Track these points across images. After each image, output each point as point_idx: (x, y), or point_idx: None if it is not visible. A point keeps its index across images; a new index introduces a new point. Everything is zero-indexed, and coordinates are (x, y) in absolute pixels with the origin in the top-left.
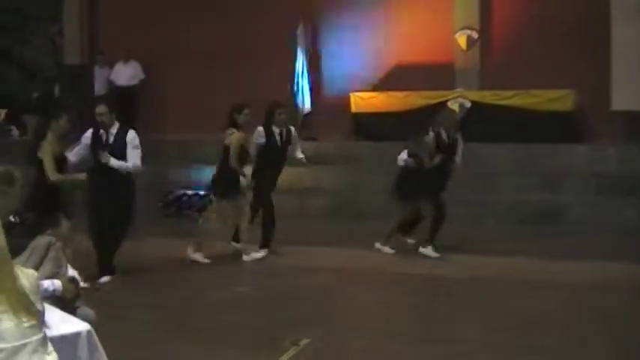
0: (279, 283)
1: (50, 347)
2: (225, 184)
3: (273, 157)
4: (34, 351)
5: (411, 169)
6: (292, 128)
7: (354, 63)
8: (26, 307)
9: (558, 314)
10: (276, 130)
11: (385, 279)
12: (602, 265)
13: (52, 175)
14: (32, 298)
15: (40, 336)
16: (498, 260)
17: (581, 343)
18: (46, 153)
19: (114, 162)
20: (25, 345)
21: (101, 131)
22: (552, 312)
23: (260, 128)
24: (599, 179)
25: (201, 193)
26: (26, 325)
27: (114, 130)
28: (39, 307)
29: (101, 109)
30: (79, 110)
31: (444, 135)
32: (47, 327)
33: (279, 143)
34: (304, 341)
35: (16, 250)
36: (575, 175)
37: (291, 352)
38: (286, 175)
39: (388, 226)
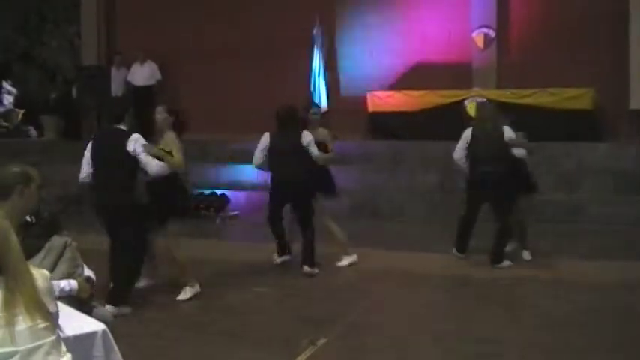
0: (297, 282)
1: (64, 348)
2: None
3: None
4: (48, 353)
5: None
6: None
7: (371, 62)
8: (41, 308)
9: (586, 314)
10: None
11: (406, 279)
12: (627, 264)
13: None
14: (45, 299)
15: (53, 337)
16: (519, 259)
17: (610, 343)
18: None
19: None
20: (39, 347)
21: None
22: (580, 312)
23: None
24: (619, 177)
25: (218, 193)
26: (40, 326)
27: None
28: (52, 308)
29: None
30: (98, 111)
31: None
32: (61, 328)
33: None
34: (321, 340)
35: (32, 250)
36: (595, 173)
37: (308, 351)
38: None
39: (407, 225)
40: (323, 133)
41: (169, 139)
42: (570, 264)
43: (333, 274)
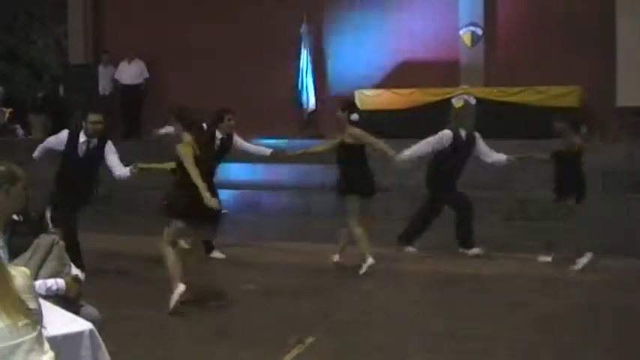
0: (286, 280)
1: (47, 346)
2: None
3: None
4: (30, 350)
5: None
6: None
7: (359, 60)
8: (19, 306)
9: (574, 311)
10: (218, 135)
11: (393, 277)
12: (613, 263)
13: None
14: (24, 296)
15: (34, 334)
16: (508, 257)
17: (597, 340)
18: None
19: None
20: (19, 345)
21: None
22: (568, 309)
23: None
24: (606, 175)
25: None
26: (20, 324)
27: None
28: (31, 305)
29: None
30: (85, 110)
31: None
32: (44, 325)
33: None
34: (309, 339)
35: (19, 249)
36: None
37: (296, 350)
38: (293, 173)
39: (394, 224)
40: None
41: (179, 149)
42: (558, 262)
43: (321, 273)
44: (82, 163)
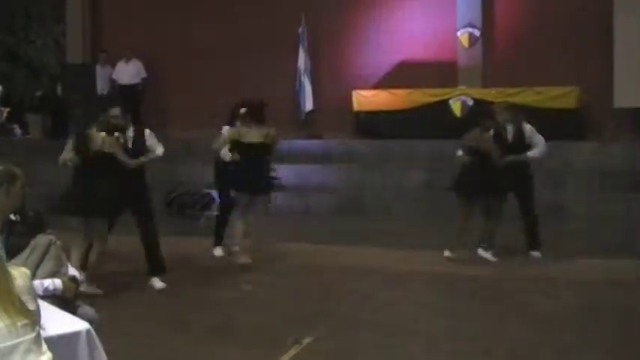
0: (285, 281)
1: (45, 347)
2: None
3: None
4: (28, 350)
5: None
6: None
7: (356, 61)
8: (19, 306)
9: (574, 311)
10: None
11: (393, 277)
12: (612, 262)
13: None
14: (24, 297)
15: (32, 335)
16: (508, 257)
17: (597, 340)
18: None
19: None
20: (17, 345)
21: None
22: (568, 309)
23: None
24: (604, 176)
25: (205, 191)
26: (19, 324)
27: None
28: (31, 306)
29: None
30: (84, 109)
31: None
32: (42, 326)
33: None
34: (307, 340)
35: (16, 249)
36: (580, 172)
37: (293, 350)
38: (291, 174)
39: (393, 224)
40: None
41: None
42: (558, 262)
43: (320, 273)
44: None
